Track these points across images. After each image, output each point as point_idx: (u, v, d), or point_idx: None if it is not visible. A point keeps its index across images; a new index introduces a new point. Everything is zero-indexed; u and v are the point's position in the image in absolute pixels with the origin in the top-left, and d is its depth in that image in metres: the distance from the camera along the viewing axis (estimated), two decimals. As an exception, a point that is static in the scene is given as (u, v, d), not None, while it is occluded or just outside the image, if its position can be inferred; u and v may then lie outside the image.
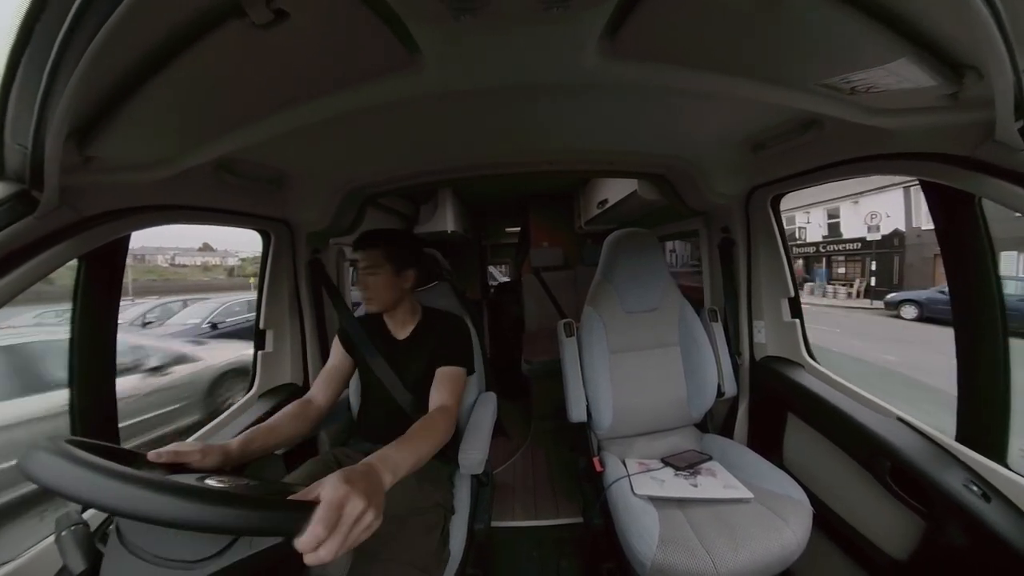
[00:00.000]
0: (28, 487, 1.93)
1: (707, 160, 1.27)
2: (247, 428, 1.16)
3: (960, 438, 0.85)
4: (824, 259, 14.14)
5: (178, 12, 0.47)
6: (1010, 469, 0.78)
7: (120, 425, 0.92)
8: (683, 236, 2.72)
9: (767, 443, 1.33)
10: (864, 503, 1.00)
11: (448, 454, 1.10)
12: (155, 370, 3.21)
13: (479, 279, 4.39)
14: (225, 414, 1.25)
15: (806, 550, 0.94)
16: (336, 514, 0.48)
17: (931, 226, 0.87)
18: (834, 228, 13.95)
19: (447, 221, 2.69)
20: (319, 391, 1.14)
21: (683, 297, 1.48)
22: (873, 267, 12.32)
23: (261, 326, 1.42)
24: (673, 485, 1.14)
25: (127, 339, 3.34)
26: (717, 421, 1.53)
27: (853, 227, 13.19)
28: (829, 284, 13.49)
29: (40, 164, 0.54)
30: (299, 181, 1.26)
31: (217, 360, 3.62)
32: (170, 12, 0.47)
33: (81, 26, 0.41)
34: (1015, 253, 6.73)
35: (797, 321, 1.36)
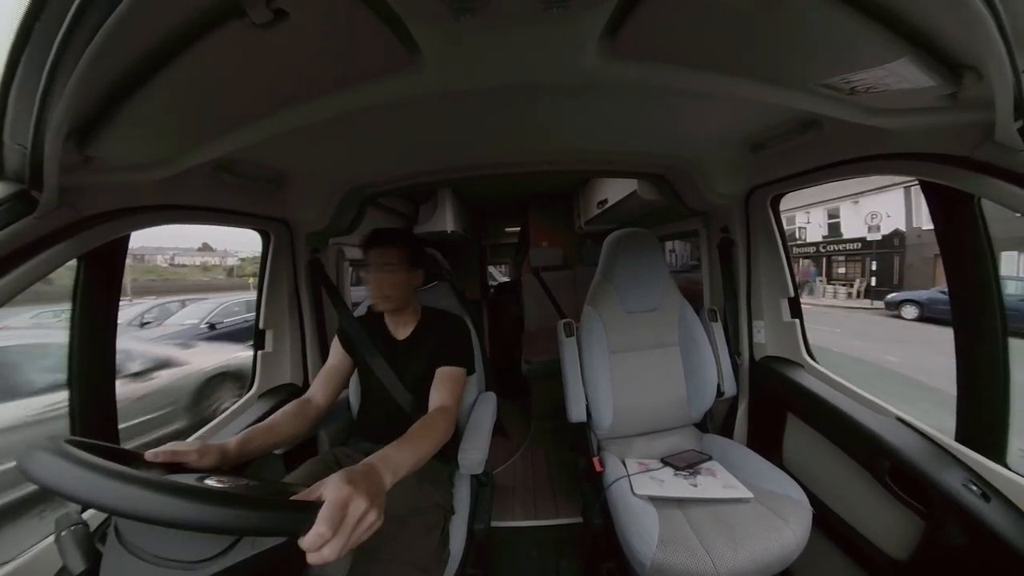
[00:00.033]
0: (28, 488, 1.93)
1: (707, 160, 1.27)
2: (246, 428, 1.17)
3: (960, 438, 0.85)
4: (823, 259, 14.15)
5: (178, 12, 0.47)
6: (1009, 469, 0.78)
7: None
8: (683, 236, 2.72)
9: (767, 443, 1.33)
10: (863, 503, 1.00)
11: (448, 454, 1.10)
12: (136, 376, 3.00)
13: (479, 279, 4.39)
14: (225, 414, 1.24)
15: (806, 550, 0.94)
16: (340, 514, 0.48)
17: (931, 226, 0.87)
18: (834, 228, 13.95)
19: (447, 221, 2.69)
20: (318, 390, 1.14)
21: (683, 297, 1.48)
22: (874, 267, 12.31)
23: (261, 326, 1.42)
24: (673, 485, 1.14)
25: None
26: (717, 421, 1.53)
27: (853, 227, 13.18)
28: (829, 284, 13.47)
29: (39, 164, 0.54)
30: (299, 181, 1.26)
31: (205, 364, 3.44)
32: (170, 12, 0.47)
33: (80, 26, 0.41)
34: (1015, 253, 6.74)
35: (797, 321, 1.36)
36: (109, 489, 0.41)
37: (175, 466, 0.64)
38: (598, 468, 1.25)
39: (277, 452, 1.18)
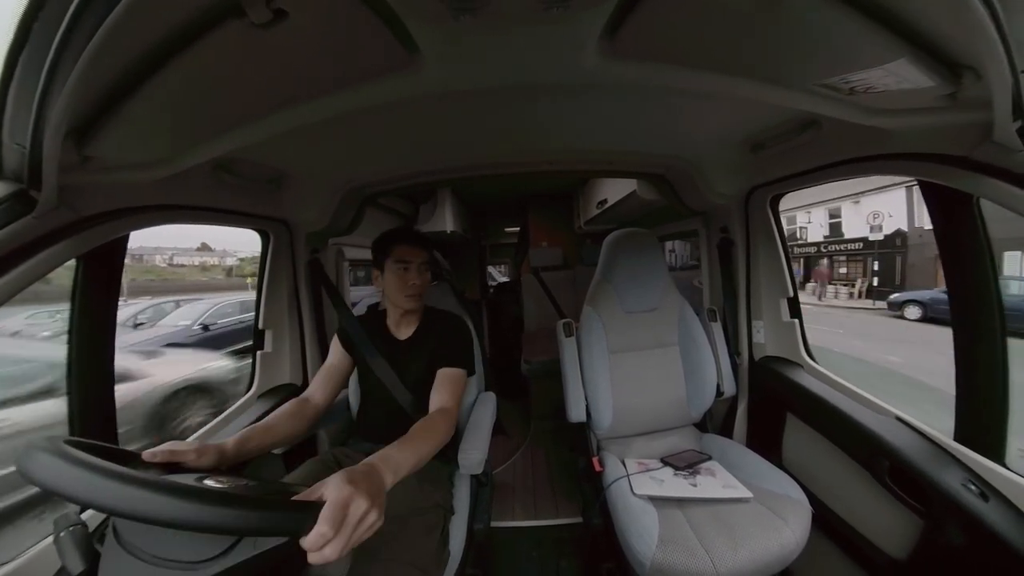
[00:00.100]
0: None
1: (706, 160, 1.27)
2: (245, 428, 1.17)
3: (959, 438, 0.86)
4: (825, 259, 14.13)
5: (177, 11, 0.47)
6: (1008, 469, 0.78)
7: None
8: (682, 236, 2.72)
9: (766, 443, 1.33)
10: (863, 502, 1.00)
11: (448, 454, 1.09)
12: None
13: (478, 279, 4.39)
14: (224, 414, 1.24)
15: (805, 549, 0.94)
16: (341, 514, 0.48)
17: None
18: (835, 228, 13.95)
19: (446, 221, 2.69)
20: (317, 389, 1.14)
21: (682, 297, 1.48)
22: (876, 267, 12.29)
23: (260, 326, 1.42)
24: (672, 485, 1.14)
25: (51, 354, 2.69)
26: (716, 421, 1.54)
27: (855, 227, 13.18)
28: (831, 284, 13.45)
29: (38, 164, 0.54)
30: (298, 181, 1.26)
31: (170, 376, 3.03)
32: (169, 11, 0.47)
33: (79, 25, 0.41)
34: (1019, 253, 6.72)
35: (796, 321, 1.36)
36: (108, 489, 0.41)
37: (173, 466, 0.64)
38: (598, 468, 1.25)
39: (276, 452, 1.18)
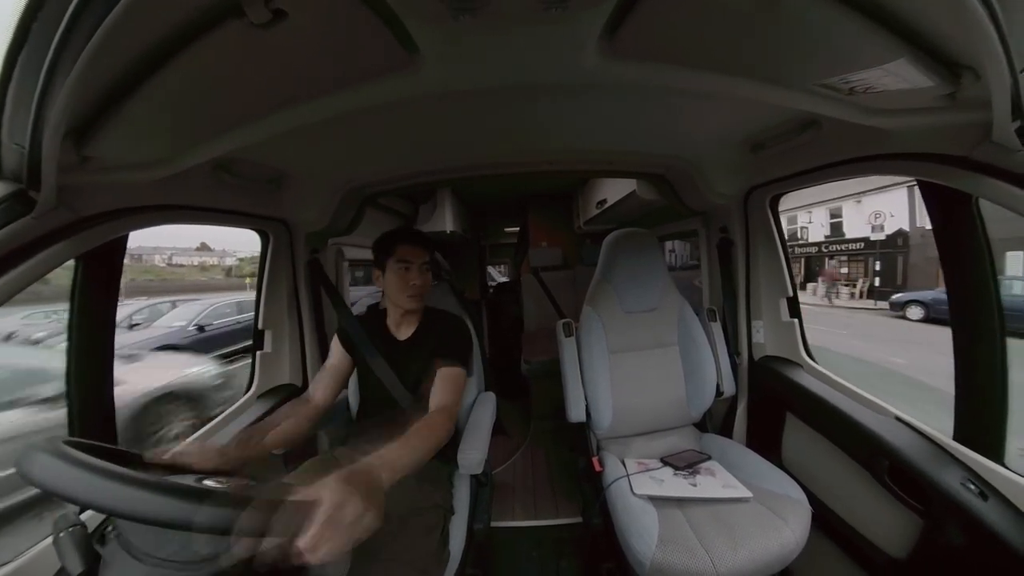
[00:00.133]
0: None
1: (706, 160, 1.27)
2: (245, 428, 1.16)
3: (958, 437, 0.86)
4: (826, 259, 14.09)
5: (176, 12, 0.47)
6: (1007, 468, 0.78)
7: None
8: (682, 236, 2.72)
9: (766, 443, 1.33)
10: (863, 502, 1.01)
11: (448, 454, 1.09)
12: (48, 402, 2.34)
13: (478, 279, 4.39)
14: (224, 414, 1.24)
15: (805, 549, 0.94)
16: (337, 515, 0.48)
17: (935, 226, 0.86)
18: (836, 228, 13.93)
19: (446, 221, 2.69)
20: (317, 390, 1.14)
21: (682, 297, 1.48)
22: (877, 267, 12.26)
23: (260, 326, 1.42)
24: (672, 485, 1.14)
25: (20, 361, 2.64)
26: (716, 421, 1.54)
27: (856, 227, 13.16)
28: (825, 283, 13.44)
29: (37, 164, 0.54)
30: (298, 181, 1.26)
31: (145, 384, 2.81)
32: (168, 12, 0.47)
33: (79, 25, 0.40)
34: (1021, 253, 6.69)
35: (796, 321, 1.36)
36: (107, 490, 0.40)
37: (173, 467, 0.64)
38: (598, 468, 1.25)
39: (277, 452, 1.18)
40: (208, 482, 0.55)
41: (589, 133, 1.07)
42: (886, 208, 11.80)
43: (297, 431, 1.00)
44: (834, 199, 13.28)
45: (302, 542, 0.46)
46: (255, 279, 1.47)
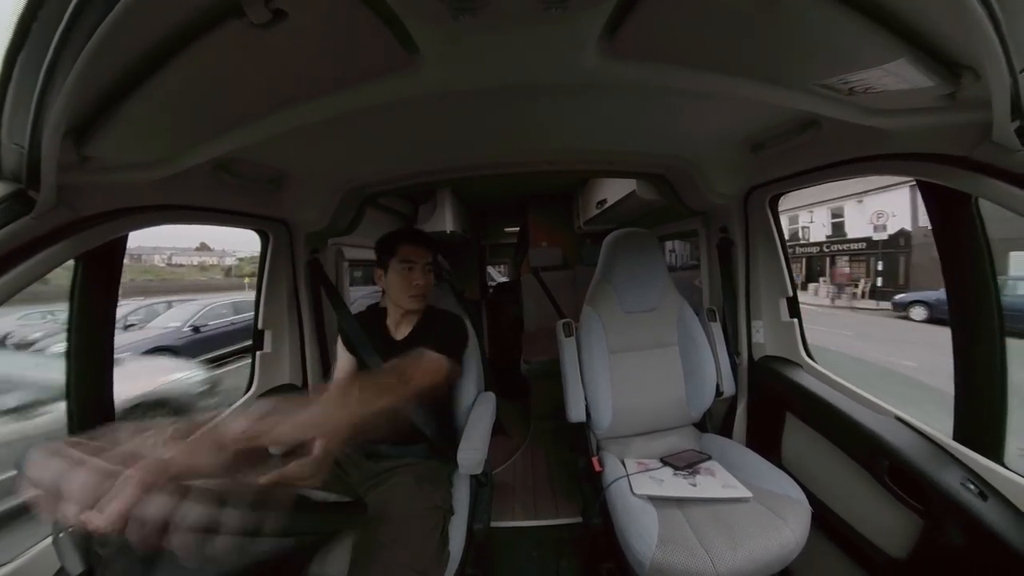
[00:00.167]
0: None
1: (706, 160, 1.27)
2: None
3: (958, 437, 0.86)
4: (827, 259, 14.03)
5: (176, 11, 0.47)
6: (1007, 468, 0.78)
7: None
8: (682, 236, 2.72)
9: (766, 443, 1.33)
10: (862, 502, 1.01)
11: (447, 454, 1.10)
12: (15, 412, 2.20)
13: (478, 279, 4.39)
14: (224, 415, 1.24)
15: (805, 549, 0.94)
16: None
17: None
18: (838, 227, 13.89)
19: (446, 221, 2.69)
20: None
21: (682, 297, 1.48)
22: (880, 267, 12.20)
23: (260, 326, 1.42)
24: (672, 485, 1.14)
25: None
26: (716, 421, 1.54)
27: (858, 226, 13.10)
28: (833, 284, 13.35)
29: (37, 164, 0.54)
30: (298, 181, 1.25)
31: (123, 392, 2.41)
32: (168, 11, 0.46)
33: (78, 25, 0.40)
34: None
35: (795, 321, 1.36)
36: None
37: None
38: (597, 468, 1.25)
39: (274, 452, 1.18)
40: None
41: (589, 133, 1.07)
42: (888, 208, 11.74)
43: None
44: (836, 199, 13.25)
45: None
46: (254, 279, 1.47)
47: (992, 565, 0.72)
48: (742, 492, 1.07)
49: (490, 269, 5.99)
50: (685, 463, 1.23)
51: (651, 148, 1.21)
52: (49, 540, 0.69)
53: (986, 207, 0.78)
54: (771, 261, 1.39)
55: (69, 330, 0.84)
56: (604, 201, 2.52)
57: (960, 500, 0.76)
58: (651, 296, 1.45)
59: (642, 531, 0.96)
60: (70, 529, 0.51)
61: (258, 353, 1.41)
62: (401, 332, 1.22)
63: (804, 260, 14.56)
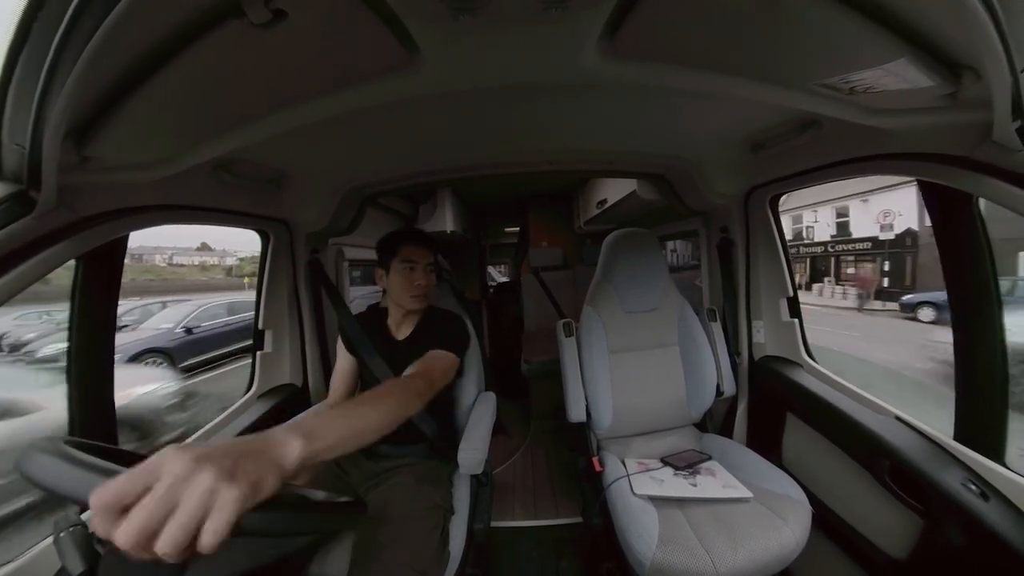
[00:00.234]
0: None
1: (706, 160, 1.27)
2: (246, 430, 1.17)
3: (959, 437, 0.86)
4: (831, 259, 13.90)
5: (176, 12, 0.47)
6: (1009, 468, 0.78)
7: None
8: (682, 236, 2.72)
9: (766, 443, 1.33)
10: (863, 502, 1.00)
11: (448, 454, 1.10)
12: None
13: (478, 279, 4.39)
14: (224, 415, 1.24)
15: (805, 549, 0.94)
16: (171, 493, 0.35)
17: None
18: (843, 227, 13.78)
19: (446, 221, 2.69)
20: (333, 394, 1.16)
21: (682, 297, 1.48)
22: (886, 267, 12.02)
23: (260, 326, 1.42)
24: (672, 485, 1.14)
25: None
26: (716, 421, 1.54)
27: (863, 226, 12.92)
28: (838, 285, 13.19)
29: (38, 164, 0.54)
30: (298, 181, 1.26)
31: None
32: (168, 12, 0.47)
33: (79, 26, 0.41)
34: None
35: (796, 321, 1.36)
36: None
37: None
38: (598, 468, 1.25)
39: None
40: None
41: (589, 133, 1.07)
42: (894, 207, 11.55)
43: None
44: (840, 198, 13.14)
45: (118, 531, 0.34)
46: (254, 279, 1.47)
47: (993, 565, 0.72)
48: (742, 492, 1.07)
49: (490, 269, 5.99)
50: (685, 463, 1.23)
51: (651, 148, 1.21)
52: (50, 540, 0.69)
53: (992, 206, 0.77)
54: (772, 261, 1.39)
55: (70, 330, 0.84)
56: (604, 201, 2.52)
57: (961, 500, 0.76)
58: (651, 296, 1.45)
59: (642, 531, 0.96)
60: (71, 529, 0.51)
61: (258, 353, 1.41)
62: (402, 332, 1.22)
63: (808, 260, 14.45)
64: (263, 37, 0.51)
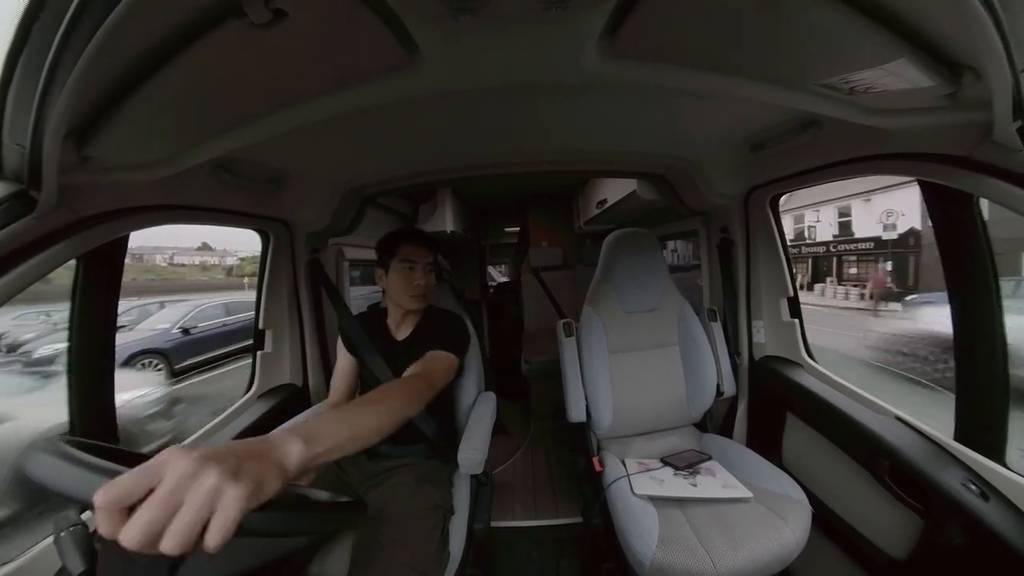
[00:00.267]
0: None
1: (706, 160, 1.27)
2: (246, 429, 1.17)
3: (959, 437, 0.86)
4: (833, 259, 13.82)
5: (177, 12, 0.47)
6: (1009, 468, 0.78)
7: None
8: (682, 236, 2.72)
9: (766, 443, 1.33)
10: (863, 502, 1.00)
11: (448, 454, 1.10)
12: None
13: (478, 279, 4.40)
14: (224, 415, 1.24)
15: (805, 549, 0.94)
16: (177, 493, 0.35)
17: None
18: (845, 227, 13.70)
19: (446, 221, 2.69)
20: (334, 394, 1.16)
21: (682, 297, 1.48)
22: (889, 267, 11.86)
23: (260, 326, 1.42)
24: (672, 485, 1.14)
25: None
26: (716, 421, 1.54)
27: (865, 225, 12.81)
28: (840, 285, 13.08)
29: (38, 164, 0.54)
30: (298, 181, 1.26)
31: (39, 421, 2.04)
32: (169, 12, 0.47)
33: (79, 26, 0.41)
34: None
35: (796, 321, 1.36)
36: None
37: None
38: (598, 468, 1.25)
39: None
40: None
41: (589, 133, 1.07)
42: (897, 206, 11.44)
43: None
44: (842, 197, 13.06)
45: (123, 530, 0.34)
46: (254, 279, 1.48)
47: (993, 566, 0.72)
48: (742, 492, 1.07)
49: (490, 269, 5.99)
50: (685, 463, 1.23)
51: (651, 148, 1.21)
52: (50, 540, 0.69)
53: (995, 207, 0.77)
54: (772, 261, 1.39)
55: (71, 330, 0.84)
56: (604, 201, 2.52)
57: (961, 500, 0.76)
58: (652, 296, 1.45)
59: (642, 531, 0.96)
60: (72, 529, 0.51)
61: (259, 353, 1.41)
62: (402, 332, 1.22)
63: (810, 260, 14.37)
64: (263, 37, 0.51)
